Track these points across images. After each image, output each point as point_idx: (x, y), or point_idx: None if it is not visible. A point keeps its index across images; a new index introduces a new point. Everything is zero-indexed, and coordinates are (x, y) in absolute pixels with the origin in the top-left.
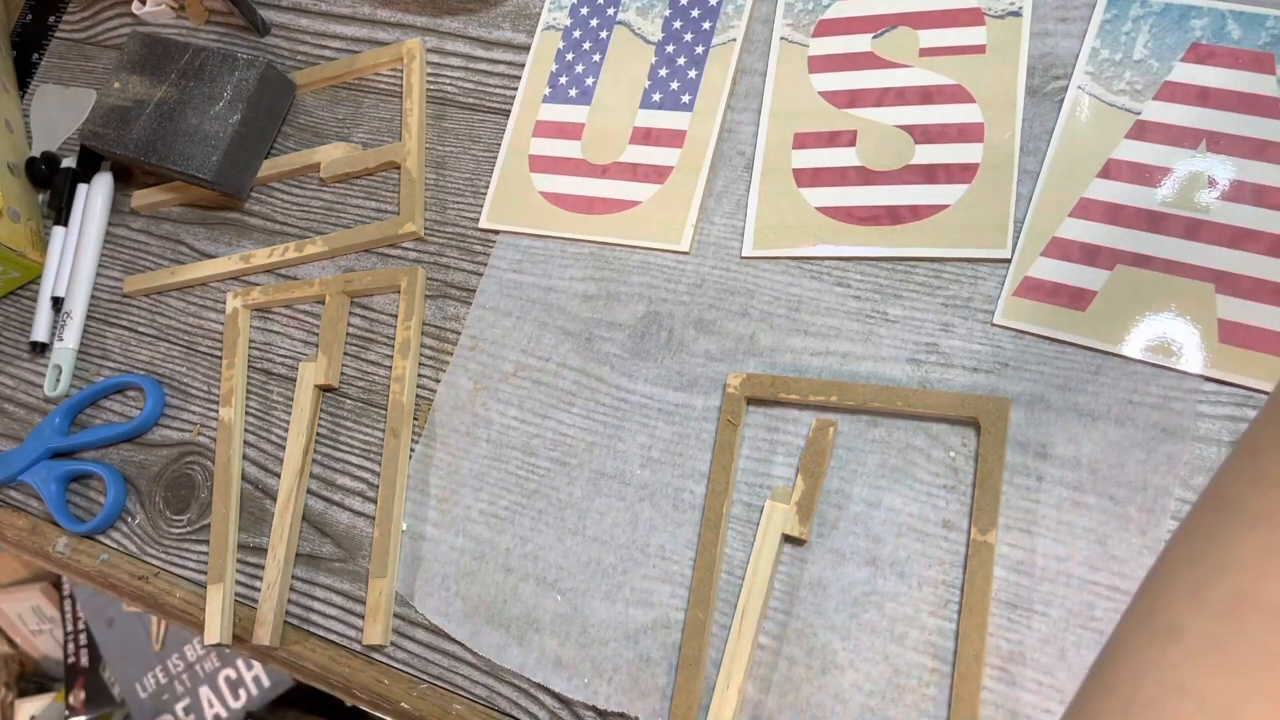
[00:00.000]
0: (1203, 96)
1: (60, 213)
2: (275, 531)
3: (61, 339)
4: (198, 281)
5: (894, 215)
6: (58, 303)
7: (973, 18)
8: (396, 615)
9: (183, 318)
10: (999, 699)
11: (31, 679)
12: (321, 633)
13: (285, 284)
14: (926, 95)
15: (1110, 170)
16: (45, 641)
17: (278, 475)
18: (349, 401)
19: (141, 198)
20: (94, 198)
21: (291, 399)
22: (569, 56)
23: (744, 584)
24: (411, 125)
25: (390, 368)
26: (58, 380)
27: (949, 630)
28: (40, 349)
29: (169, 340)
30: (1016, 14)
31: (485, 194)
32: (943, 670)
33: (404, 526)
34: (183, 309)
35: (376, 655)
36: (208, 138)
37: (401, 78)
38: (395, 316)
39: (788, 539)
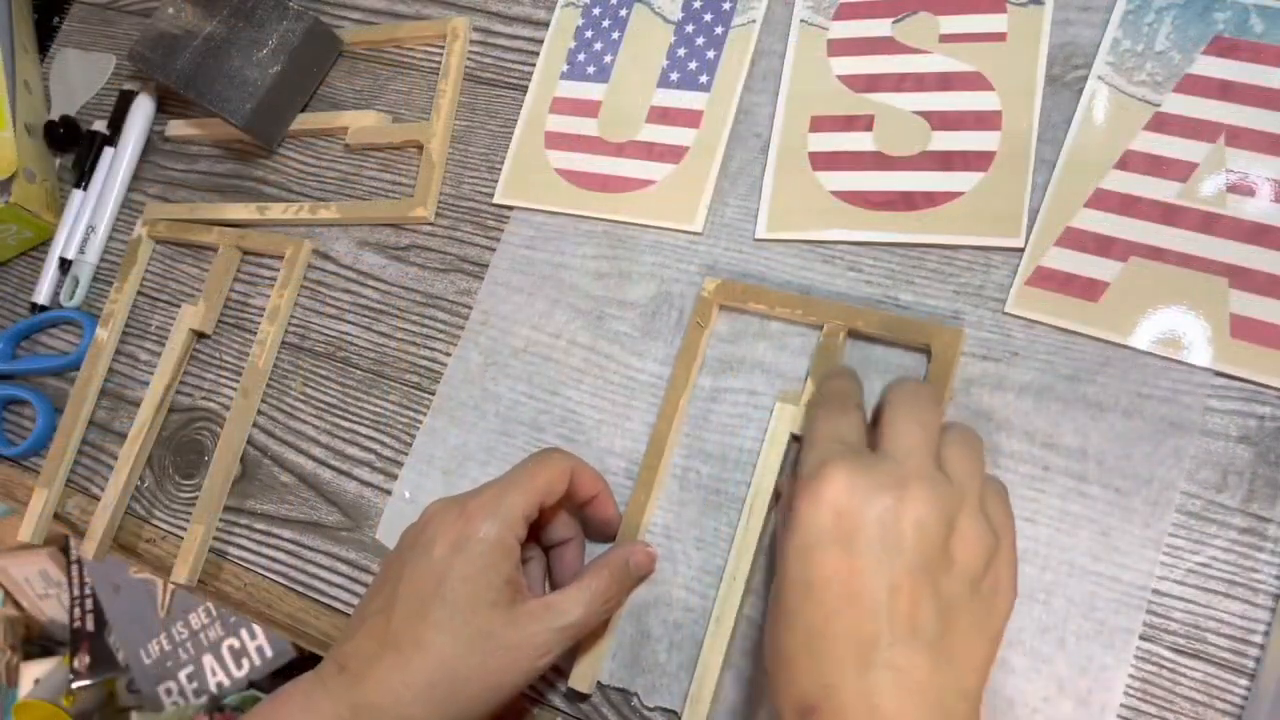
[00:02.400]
0: (1224, 90)
1: (83, 175)
2: (122, 458)
3: (83, 252)
4: (213, 222)
5: (909, 201)
6: (66, 265)
7: (994, 5)
8: None
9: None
10: (997, 686)
11: (37, 642)
12: (327, 600)
13: (189, 225)
14: (945, 82)
15: (1127, 162)
16: (51, 605)
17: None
18: (359, 372)
19: (177, 128)
20: (134, 119)
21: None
22: (588, 34)
23: (752, 485)
24: (442, 107)
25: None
26: (74, 292)
27: None
28: (39, 312)
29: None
30: (1039, 2)
31: (500, 169)
32: None
33: (406, 495)
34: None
35: None
36: (246, 83)
37: (428, 55)
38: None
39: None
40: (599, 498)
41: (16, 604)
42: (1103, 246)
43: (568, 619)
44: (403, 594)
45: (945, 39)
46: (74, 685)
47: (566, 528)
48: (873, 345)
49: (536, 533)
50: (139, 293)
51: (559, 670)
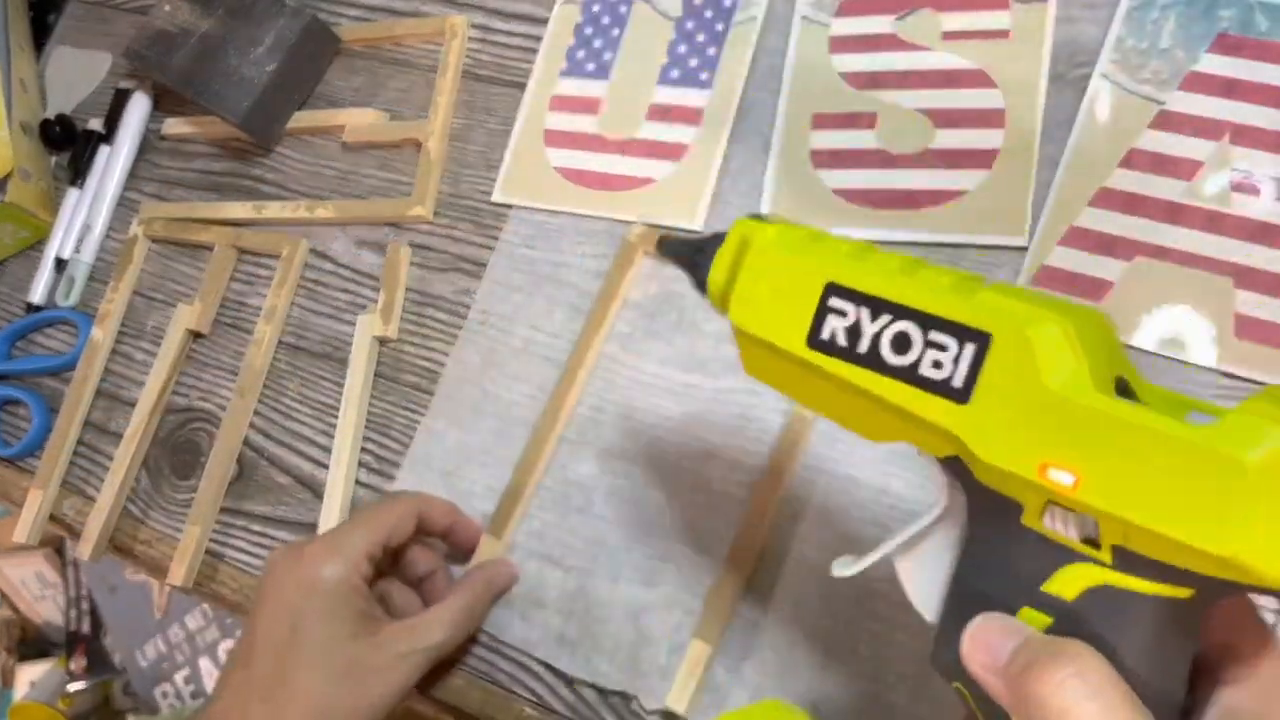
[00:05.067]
0: (1228, 88)
1: (79, 174)
2: (118, 459)
3: (79, 251)
4: (211, 221)
5: (911, 200)
6: (61, 264)
7: (997, 2)
8: None
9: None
10: None
11: (32, 645)
12: None
13: (185, 224)
14: (948, 79)
15: (1131, 160)
16: (47, 607)
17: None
18: None
19: (173, 126)
20: (130, 117)
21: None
22: (588, 31)
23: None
24: (440, 105)
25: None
26: (69, 291)
27: None
28: (35, 311)
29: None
30: None
31: (499, 167)
32: None
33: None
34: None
35: None
36: (243, 81)
37: (426, 52)
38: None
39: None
40: (455, 526)
41: (12, 606)
42: (1107, 245)
43: (431, 638)
44: (259, 644)
45: (948, 36)
46: (70, 688)
47: (428, 561)
48: None
49: (403, 570)
50: (135, 292)
51: (558, 672)
